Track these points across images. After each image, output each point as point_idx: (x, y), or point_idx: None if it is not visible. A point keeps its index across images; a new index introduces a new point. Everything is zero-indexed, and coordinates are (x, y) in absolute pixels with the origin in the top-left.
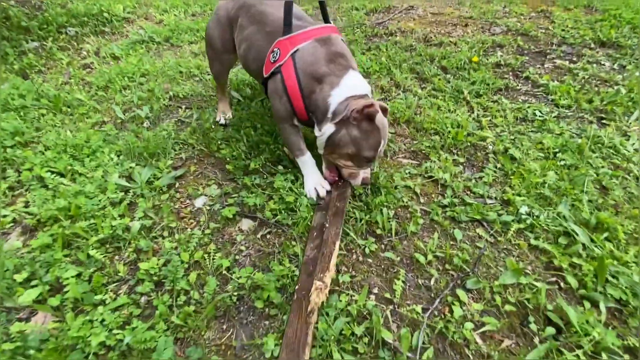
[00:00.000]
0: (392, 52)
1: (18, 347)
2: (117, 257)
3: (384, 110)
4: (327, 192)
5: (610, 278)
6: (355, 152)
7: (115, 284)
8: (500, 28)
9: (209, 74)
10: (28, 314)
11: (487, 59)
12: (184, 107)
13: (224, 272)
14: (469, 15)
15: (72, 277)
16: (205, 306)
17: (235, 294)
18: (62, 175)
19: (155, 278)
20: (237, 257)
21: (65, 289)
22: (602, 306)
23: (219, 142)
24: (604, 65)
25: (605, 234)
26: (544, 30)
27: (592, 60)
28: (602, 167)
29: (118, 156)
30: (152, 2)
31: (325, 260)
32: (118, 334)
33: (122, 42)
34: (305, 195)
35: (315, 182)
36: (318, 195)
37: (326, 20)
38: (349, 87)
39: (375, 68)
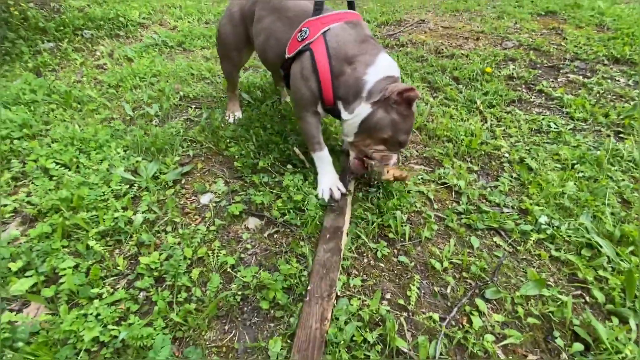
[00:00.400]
0: (404, 62)
1: (6, 339)
2: (117, 251)
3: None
4: (342, 194)
5: (639, 294)
6: (391, 135)
7: (113, 278)
8: (512, 42)
9: (220, 77)
10: (20, 305)
11: (500, 72)
12: (193, 106)
13: (229, 269)
14: (480, 30)
15: (69, 267)
16: (207, 304)
17: (240, 293)
18: (67, 167)
19: (155, 273)
20: (242, 255)
21: (61, 280)
22: (632, 323)
23: (228, 141)
24: (618, 81)
25: (631, 248)
26: (556, 46)
27: (607, 76)
28: (623, 180)
29: (125, 151)
30: (167, 10)
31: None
32: (113, 329)
33: (135, 45)
34: (316, 195)
35: (331, 182)
36: (331, 196)
37: (351, 8)
38: (385, 67)
39: None
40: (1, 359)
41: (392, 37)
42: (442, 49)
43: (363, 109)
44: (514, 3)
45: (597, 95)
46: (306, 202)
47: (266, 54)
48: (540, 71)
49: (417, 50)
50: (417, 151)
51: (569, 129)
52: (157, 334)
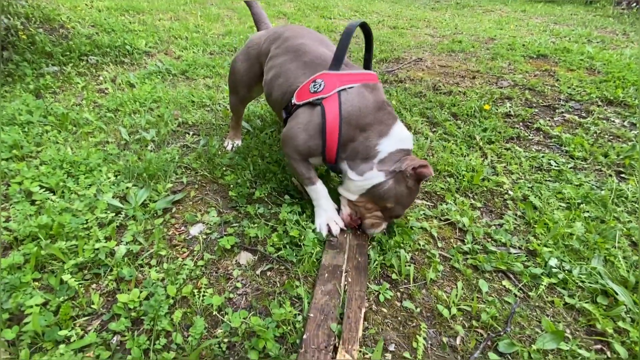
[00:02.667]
0: (402, 97)
1: None
2: (94, 286)
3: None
4: (341, 229)
5: None
6: (393, 206)
7: (85, 318)
8: (507, 82)
9: (220, 104)
10: None
11: (497, 109)
12: (191, 133)
13: (215, 312)
14: (476, 69)
15: (37, 305)
16: (189, 353)
17: (226, 340)
18: (53, 192)
19: (133, 314)
20: (231, 295)
21: (25, 320)
22: None
23: (224, 169)
24: (614, 122)
25: None
26: (550, 87)
27: (602, 117)
28: (630, 221)
29: (116, 176)
30: (174, 40)
31: (352, 328)
32: None
33: (139, 72)
34: (314, 230)
35: (328, 217)
36: (330, 232)
37: (367, 67)
38: (400, 139)
39: None
40: None
41: (390, 74)
42: (440, 86)
43: (375, 175)
44: (506, 46)
45: (595, 134)
46: (303, 237)
47: (272, 90)
48: (536, 110)
49: (416, 86)
50: None
51: (570, 167)
52: None
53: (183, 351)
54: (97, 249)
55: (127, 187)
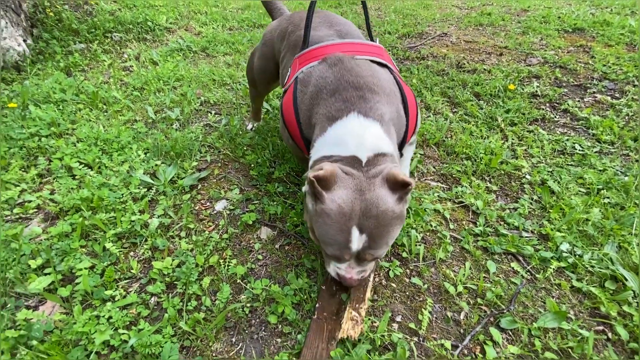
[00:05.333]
0: (424, 75)
1: (21, 336)
2: (132, 254)
3: (404, 186)
4: None
5: None
6: (319, 239)
7: (126, 281)
8: (537, 59)
9: (240, 84)
10: (37, 302)
11: (523, 89)
12: (213, 112)
13: (238, 280)
14: (504, 45)
15: (85, 268)
16: (216, 315)
17: (249, 305)
18: (90, 167)
19: (167, 279)
20: (253, 265)
21: (77, 281)
22: None
23: (245, 148)
24: None
25: None
26: (583, 65)
27: (637, 98)
28: None
29: (145, 153)
30: (193, 16)
31: (360, 290)
32: (123, 334)
33: (161, 49)
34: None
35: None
36: None
37: (371, 38)
38: (333, 143)
39: None
40: (15, 357)
41: (413, 50)
42: (464, 63)
43: (305, 188)
44: (539, 19)
45: (627, 117)
46: None
47: None
48: (565, 90)
49: (438, 63)
50: (434, 167)
51: (595, 152)
52: (166, 342)
53: (211, 312)
54: (133, 221)
55: (156, 165)
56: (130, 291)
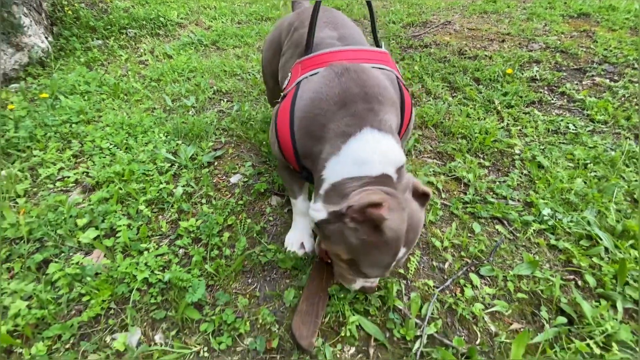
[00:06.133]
0: (426, 62)
1: (77, 274)
2: (161, 216)
3: (424, 196)
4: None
5: (631, 281)
6: (352, 260)
7: (158, 237)
8: (539, 45)
9: (249, 74)
10: (84, 254)
11: (522, 73)
12: (225, 100)
13: (254, 235)
14: (506, 32)
15: (124, 225)
16: (235, 259)
17: (262, 255)
18: (119, 148)
19: (192, 235)
20: (265, 225)
21: (117, 235)
22: (619, 305)
23: (256, 130)
24: None
25: (631, 242)
26: (584, 49)
27: (635, 80)
28: (635, 180)
29: (166, 136)
30: (203, 10)
31: None
32: (158, 274)
33: (174, 43)
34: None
35: (297, 237)
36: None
37: (376, 43)
38: (352, 162)
39: (408, 76)
40: (72, 290)
41: (416, 38)
42: (466, 50)
43: (320, 210)
44: (545, 4)
45: (622, 98)
46: None
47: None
48: (565, 74)
49: (441, 51)
50: (430, 146)
51: (588, 131)
52: (194, 279)
53: (231, 259)
54: (161, 190)
55: (177, 144)
56: (162, 245)
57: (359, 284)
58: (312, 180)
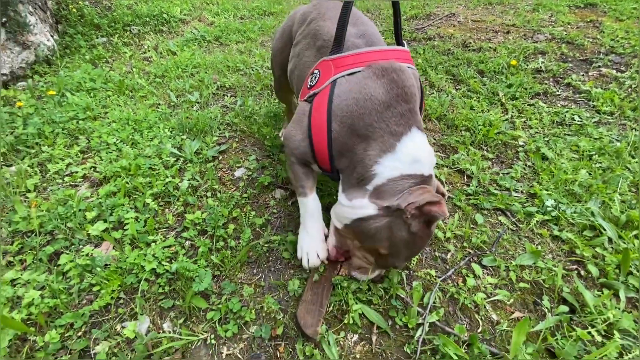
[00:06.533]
0: (429, 55)
1: (87, 265)
2: (167, 209)
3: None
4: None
5: (634, 271)
6: (387, 253)
7: (164, 230)
8: (544, 36)
9: (252, 69)
10: (94, 246)
11: (527, 65)
12: (229, 95)
13: (258, 228)
14: (511, 23)
15: (132, 218)
16: (240, 250)
17: (266, 245)
18: (125, 144)
19: (198, 227)
20: (269, 217)
21: (125, 227)
22: (622, 294)
23: (260, 125)
24: None
25: (635, 232)
26: (591, 39)
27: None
28: None
29: (171, 131)
30: (206, 6)
31: None
32: (166, 265)
33: (177, 39)
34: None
35: (310, 245)
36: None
37: (399, 41)
38: (410, 160)
39: None
40: (82, 280)
41: (419, 31)
42: (470, 42)
43: (364, 206)
44: None
45: (629, 89)
46: (324, 179)
47: (292, 83)
48: (571, 65)
49: (444, 43)
50: (434, 139)
51: (593, 122)
52: (200, 269)
53: (236, 250)
54: (167, 184)
55: (182, 139)
56: (169, 237)
57: (374, 274)
58: (337, 179)
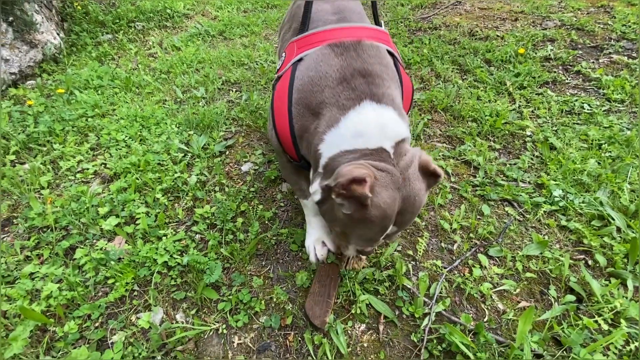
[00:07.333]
0: (435, 44)
1: (102, 259)
2: (177, 204)
3: (434, 176)
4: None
5: None
6: (346, 234)
7: (175, 224)
8: (554, 22)
9: (257, 63)
10: (107, 240)
11: (536, 53)
12: (234, 90)
13: (266, 222)
14: (519, 10)
15: (143, 213)
16: (249, 242)
17: (274, 238)
18: (133, 140)
19: (207, 221)
20: (276, 211)
21: (137, 222)
22: (629, 283)
23: (265, 119)
24: None
25: None
26: (602, 25)
27: None
28: None
29: (178, 127)
30: (209, 0)
31: None
32: (177, 258)
33: (181, 35)
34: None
35: (316, 238)
36: (316, 255)
37: (376, 21)
38: (351, 135)
39: (417, 59)
40: (97, 273)
41: (425, 20)
42: (477, 31)
43: (316, 191)
44: None
45: None
46: None
47: None
48: (580, 52)
49: (451, 33)
50: (440, 130)
51: (603, 111)
52: (211, 262)
53: (245, 243)
54: (176, 179)
55: (189, 135)
56: (179, 230)
57: (352, 250)
58: (307, 168)
